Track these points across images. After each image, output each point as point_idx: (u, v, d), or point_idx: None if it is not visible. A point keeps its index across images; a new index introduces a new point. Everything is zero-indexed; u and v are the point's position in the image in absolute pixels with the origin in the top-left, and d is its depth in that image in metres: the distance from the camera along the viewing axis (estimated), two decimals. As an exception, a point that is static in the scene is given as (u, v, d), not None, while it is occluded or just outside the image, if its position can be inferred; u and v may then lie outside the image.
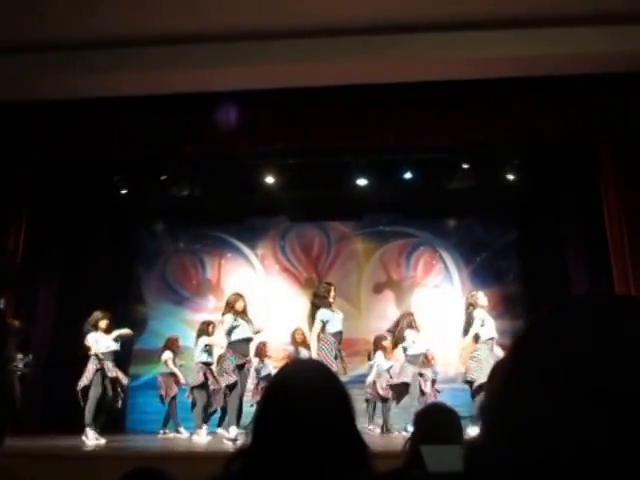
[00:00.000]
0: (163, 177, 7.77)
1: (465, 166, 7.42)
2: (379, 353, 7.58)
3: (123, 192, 7.99)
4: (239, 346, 6.00)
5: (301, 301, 8.97)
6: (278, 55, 5.70)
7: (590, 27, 5.44)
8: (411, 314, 7.02)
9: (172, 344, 7.84)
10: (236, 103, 6.27)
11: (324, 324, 5.96)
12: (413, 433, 2.17)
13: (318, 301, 6.11)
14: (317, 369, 1.32)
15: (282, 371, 1.35)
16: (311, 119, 6.39)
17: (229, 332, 6.05)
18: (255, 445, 1.18)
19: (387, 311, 8.79)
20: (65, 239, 7.78)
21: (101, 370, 6.38)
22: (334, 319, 6.04)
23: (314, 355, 5.87)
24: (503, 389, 0.48)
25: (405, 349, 6.89)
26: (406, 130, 6.34)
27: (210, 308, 9.05)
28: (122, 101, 6.07)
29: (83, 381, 6.32)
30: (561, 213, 7.72)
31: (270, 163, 7.67)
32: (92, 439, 6.01)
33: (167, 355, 7.74)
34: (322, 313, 6.02)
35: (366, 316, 8.67)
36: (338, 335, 6.01)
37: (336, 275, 9.01)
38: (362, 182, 7.87)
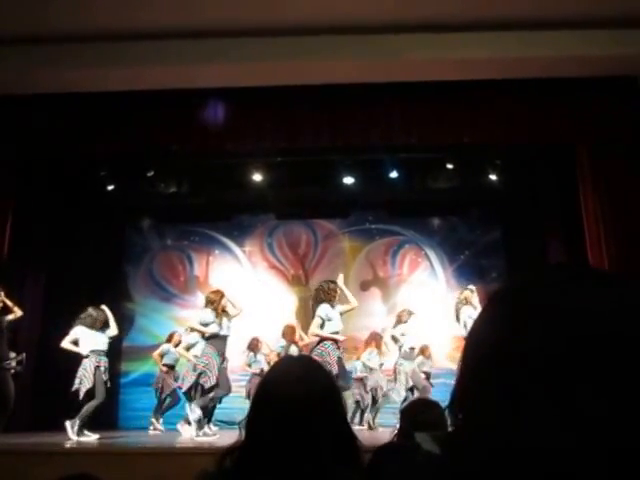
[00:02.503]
0: (150, 173, 7.78)
1: (449, 166, 7.52)
2: (369, 350, 7.65)
3: (110, 188, 7.99)
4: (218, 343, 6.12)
5: (288, 298, 9.04)
6: (267, 52, 5.70)
7: (573, 30, 5.53)
8: (408, 311, 7.05)
9: (172, 338, 7.85)
10: (224, 100, 6.27)
11: (324, 321, 5.78)
12: (399, 427, 2.21)
13: (323, 296, 5.91)
14: (308, 366, 1.32)
15: (274, 368, 1.37)
16: (299, 117, 6.42)
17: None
18: (248, 441, 1.19)
19: (373, 308, 8.88)
20: (51, 236, 7.77)
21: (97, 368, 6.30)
22: (336, 318, 5.86)
23: (314, 353, 5.72)
24: (465, 357, 0.49)
25: (400, 346, 6.92)
26: (392, 130, 6.39)
27: (198, 305, 9.06)
28: (109, 96, 6.05)
29: (84, 381, 6.16)
30: (542, 212, 7.83)
31: (258, 161, 7.71)
32: (88, 435, 6.00)
33: (166, 348, 7.77)
34: (324, 309, 5.82)
35: (352, 313, 8.67)
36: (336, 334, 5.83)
37: (323, 273, 9.06)
38: (349, 180, 7.94)
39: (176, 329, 8.05)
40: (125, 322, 8.94)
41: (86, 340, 6.32)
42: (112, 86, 5.94)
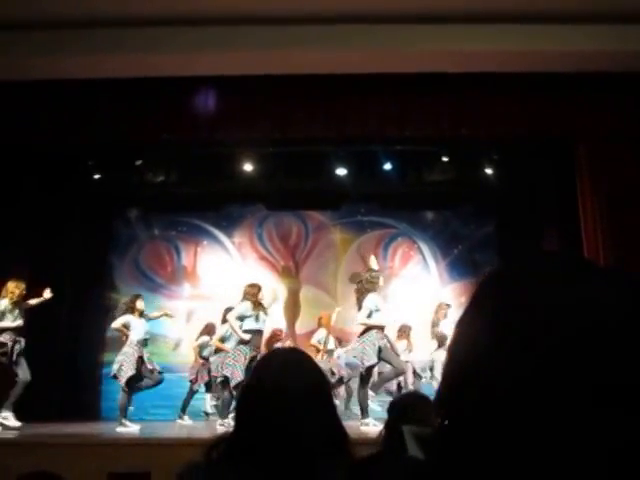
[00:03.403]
0: (138, 162, 7.62)
1: (445, 159, 7.43)
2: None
3: (96, 177, 7.83)
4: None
5: (278, 289, 8.93)
6: (259, 41, 5.60)
7: (576, 25, 5.46)
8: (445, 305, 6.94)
9: (210, 329, 7.71)
10: (215, 89, 6.14)
11: (372, 311, 5.72)
12: (388, 421, 2.16)
13: (368, 286, 5.84)
14: (298, 358, 1.33)
15: (263, 360, 1.38)
16: (291, 107, 6.29)
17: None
18: (236, 432, 1.19)
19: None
20: (36, 224, 7.57)
21: (140, 358, 6.30)
22: (384, 308, 5.83)
23: (356, 344, 5.75)
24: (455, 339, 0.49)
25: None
26: (387, 121, 6.29)
27: (185, 295, 8.95)
28: (96, 83, 5.90)
29: (127, 371, 6.14)
30: (538, 208, 7.78)
31: (248, 150, 7.57)
32: (131, 426, 5.99)
33: (206, 340, 7.61)
34: (372, 299, 5.74)
35: (343, 306, 8.65)
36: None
37: (313, 264, 8.98)
38: (341, 172, 7.84)
39: (212, 321, 7.87)
40: (110, 313, 8.80)
41: (134, 328, 6.35)
42: (100, 73, 5.79)
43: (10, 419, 6.00)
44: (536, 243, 7.64)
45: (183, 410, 7.42)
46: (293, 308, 8.69)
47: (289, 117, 6.32)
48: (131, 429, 5.94)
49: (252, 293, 6.16)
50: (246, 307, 6.06)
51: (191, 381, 7.57)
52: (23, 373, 6.24)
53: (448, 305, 6.92)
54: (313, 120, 6.33)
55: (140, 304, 6.58)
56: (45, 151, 6.97)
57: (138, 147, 7.32)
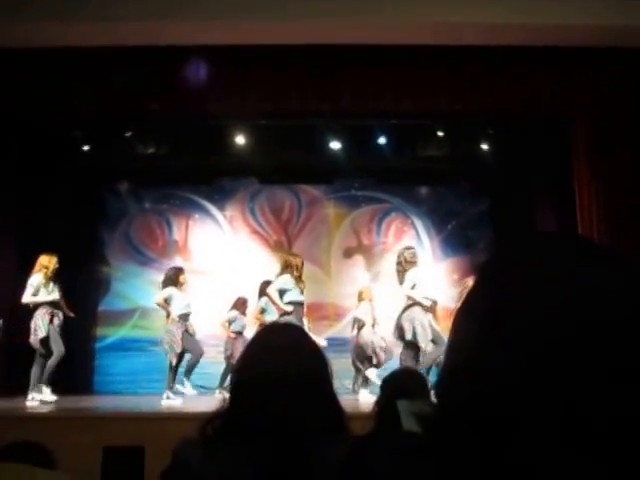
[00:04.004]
0: (128, 134, 7.47)
1: (440, 134, 7.34)
2: None
3: (85, 149, 7.67)
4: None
5: (270, 264, 8.88)
6: (252, 11, 5.46)
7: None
8: None
9: (240, 304, 7.69)
10: (207, 59, 5.99)
11: (414, 285, 5.93)
12: (380, 396, 2.17)
13: (407, 266, 6.07)
14: (294, 333, 1.32)
15: (259, 334, 1.35)
16: (285, 79, 6.18)
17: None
18: (231, 408, 1.18)
19: (357, 276, 8.77)
20: (22, 198, 7.41)
21: (186, 332, 6.31)
22: (421, 283, 6.02)
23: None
24: (455, 322, 0.49)
25: None
26: (382, 95, 6.19)
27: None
28: (86, 52, 5.74)
29: (174, 347, 6.18)
30: (533, 185, 7.74)
31: (241, 123, 7.44)
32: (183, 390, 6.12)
33: (233, 315, 7.61)
34: (413, 275, 5.98)
35: (336, 281, 8.63)
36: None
37: (306, 239, 8.92)
38: (335, 146, 7.73)
39: (243, 295, 7.85)
40: (101, 287, 8.75)
41: (176, 302, 6.33)
42: (90, 41, 5.64)
43: (46, 393, 6.02)
44: (531, 220, 7.61)
45: (221, 385, 7.34)
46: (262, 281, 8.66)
47: (282, 89, 6.21)
48: (175, 402, 6.03)
49: (295, 265, 6.11)
50: (286, 280, 6.02)
51: (227, 357, 7.49)
52: (57, 347, 6.19)
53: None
54: (307, 93, 6.23)
55: (183, 277, 6.53)
56: (31, 122, 6.80)
57: (127, 118, 7.16)
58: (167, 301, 6.37)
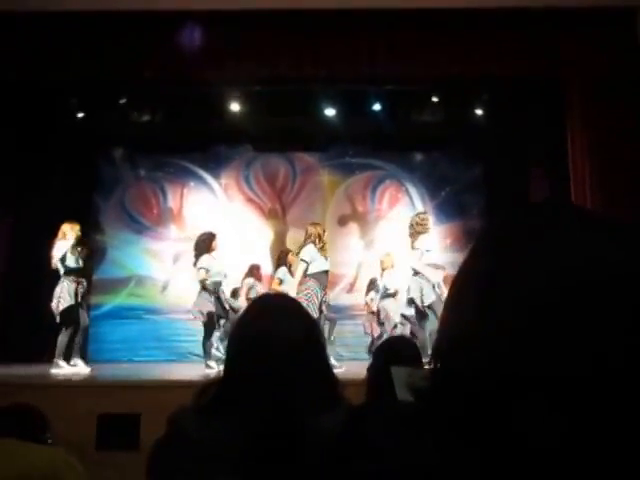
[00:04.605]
0: (122, 100, 7.40)
1: (435, 99, 7.33)
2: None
3: (79, 116, 7.60)
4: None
5: (265, 232, 8.92)
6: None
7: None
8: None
9: (255, 272, 7.70)
10: (201, 25, 5.92)
11: (423, 253, 5.95)
12: (373, 362, 2.20)
13: (419, 229, 6.07)
14: (288, 304, 1.33)
15: (252, 304, 1.35)
16: (279, 45, 6.11)
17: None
18: (226, 377, 1.19)
19: (351, 244, 8.84)
20: (16, 166, 7.37)
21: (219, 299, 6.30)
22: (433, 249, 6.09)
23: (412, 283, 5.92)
24: (451, 292, 0.50)
25: None
26: (376, 60, 6.14)
27: (172, 237, 8.90)
28: (78, 17, 5.66)
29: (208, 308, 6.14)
30: (527, 150, 7.76)
31: (235, 89, 7.38)
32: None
33: (250, 282, 7.64)
34: (423, 241, 6.00)
35: (330, 248, 8.63)
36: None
37: (301, 206, 8.95)
38: (330, 112, 7.70)
39: (257, 262, 7.88)
40: (96, 255, 8.75)
41: (211, 268, 6.25)
42: (82, 5, 5.54)
43: (80, 365, 6.04)
44: (524, 186, 7.65)
45: None
46: (279, 250, 8.69)
47: (277, 55, 6.15)
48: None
49: (317, 234, 6.13)
50: (310, 251, 6.03)
51: None
52: (83, 319, 6.20)
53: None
54: (301, 58, 6.16)
55: (215, 244, 6.45)
56: (24, 88, 6.73)
57: (122, 85, 7.07)
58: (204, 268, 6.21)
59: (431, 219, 6.27)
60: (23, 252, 7.40)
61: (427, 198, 8.90)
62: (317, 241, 6.12)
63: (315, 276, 5.97)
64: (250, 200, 9.08)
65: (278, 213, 9.03)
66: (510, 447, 0.41)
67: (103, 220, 8.86)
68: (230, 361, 1.22)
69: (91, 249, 6.33)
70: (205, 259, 6.28)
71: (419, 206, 8.82)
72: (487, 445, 0.42)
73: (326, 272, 6.14)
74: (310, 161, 9.08)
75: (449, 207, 8.79)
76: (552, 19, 5.82)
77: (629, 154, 5.74)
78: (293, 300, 1.47)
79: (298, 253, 6.24)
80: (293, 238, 8.81)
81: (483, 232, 0.51)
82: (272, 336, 1.17)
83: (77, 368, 5.99)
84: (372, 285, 7.68)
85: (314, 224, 6.38)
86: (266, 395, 1.12)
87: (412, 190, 8.96)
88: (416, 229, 6.07)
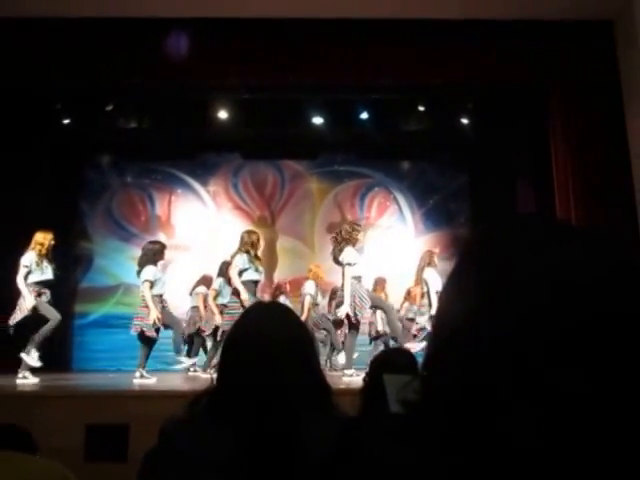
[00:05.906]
0: (109, 107, 7.37)
1: (421, 108, 7.38)
2: None
3: (66, 122, 7.56)
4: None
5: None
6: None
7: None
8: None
9: (207, 281, 7.71)
10: (189, 32, 5.93)
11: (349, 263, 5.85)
12: (367, 374, 2.18)
13: (348, 238, 5.86)
14: (280, 313, 1.32)
15: (246, 313, 1.35)
16: (267, 53, 6.12)
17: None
18: (219, 386, 1.19)
19: (339, 251, 8.82)
20: (1, 172, 7.30)
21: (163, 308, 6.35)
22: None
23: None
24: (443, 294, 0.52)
25: None
26: (364, 69, 6.18)
27: (159, 245, 8.82)
28: (66, 24, 5.66)
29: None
30: (512, 158, 7.82)
31: (223, 97, 7.39)
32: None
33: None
34: (349, 252, 5.87)
35: (319, 256, 8.67)
36: None
37: (290, 214, 8.95)
38: (318, 120, 7.73)
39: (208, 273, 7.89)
40: (83, 263, 8.69)
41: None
42: (70, 12, 5.52)
43: (34, 359, 5.73)
44: (510, 194, 7.70)
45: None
46: (270, 258, 8.67)
47: (265, 63, 6.15)
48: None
49: (250, 243, 5.92)
50: (244, 260, 5.84)
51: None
52: (51, 314, 5.90)
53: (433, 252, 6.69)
54: (289, 67, 6.18)
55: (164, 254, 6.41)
56: (10, 93, 6.67)
57: (109, 91, 7.04)
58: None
59: (363, 234, 5.94)
60: (5, 261, 7.28)
61: (415, 206, 8.95)
62: (250, 250, 5.90)
63: (245, 284, 5.76)
64: (239, 208, 9.07)
65: (267, 221, 9.03)
66: (494, 449, 0.42)
67: (90, 227, 8.80)
68: (223, 370, 1.22)
69: (52, 260, 6.11)
70: (151, 269, 6.19)
71: (407, 214, 8.87)
72: (471, 451, 0.43)
73: (255, 282, 5.90)
74: (299, 169, 9.09)
75: (437, 215, 8.84)
76: (535, 31, 5.91)
77: (611, 161, 5.82)
78: (286, 307, 1.46)
79: (230, 263, 6.05)
80: (283, 245, 8.82)
81: (470, 242, 0.53)
82: (267, 333, 1.18)
83: (28, 359, 5.66)
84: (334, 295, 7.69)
85: (249, 232, 6.14)
86: (259, 405, 1.12)
87: (400, 198, 9.00)
88: (344, 237, 5.79)
